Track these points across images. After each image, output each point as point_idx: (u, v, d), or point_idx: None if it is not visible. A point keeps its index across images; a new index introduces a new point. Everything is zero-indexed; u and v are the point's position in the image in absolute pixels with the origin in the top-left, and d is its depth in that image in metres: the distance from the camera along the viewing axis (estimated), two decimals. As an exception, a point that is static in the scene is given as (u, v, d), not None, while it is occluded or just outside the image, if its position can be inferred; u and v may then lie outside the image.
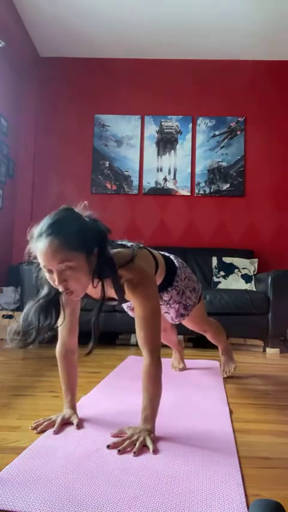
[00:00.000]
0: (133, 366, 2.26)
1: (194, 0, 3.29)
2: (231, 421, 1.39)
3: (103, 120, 4.13)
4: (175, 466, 1.03)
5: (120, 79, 4.15)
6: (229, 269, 3.55)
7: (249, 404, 1.64)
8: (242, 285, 3.46)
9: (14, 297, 3.40)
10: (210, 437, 1.24)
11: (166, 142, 4.11)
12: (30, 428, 1.28)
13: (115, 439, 1.16)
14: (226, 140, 4.07)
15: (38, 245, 1.13)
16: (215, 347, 2.26)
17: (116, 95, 4.13)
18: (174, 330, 2.19)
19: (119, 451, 1.09)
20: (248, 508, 0.84)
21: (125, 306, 1.86)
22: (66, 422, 1.30)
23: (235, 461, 1.07)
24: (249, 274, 3.51)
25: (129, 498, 0.87)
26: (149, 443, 1.12)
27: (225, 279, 3.52)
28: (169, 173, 4.08)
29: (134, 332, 1.31)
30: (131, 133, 4.12)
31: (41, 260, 1.14)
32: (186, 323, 1.97)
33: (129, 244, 1.41)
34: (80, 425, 1.29)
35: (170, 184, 4.07)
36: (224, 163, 4.05)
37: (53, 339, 1.37)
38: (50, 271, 1.14)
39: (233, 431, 1.30)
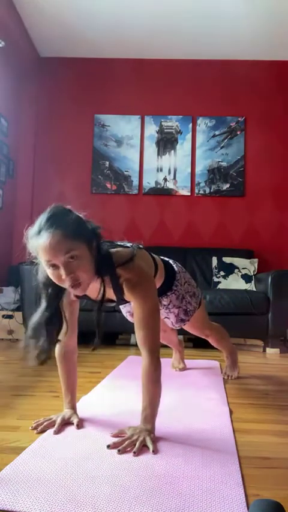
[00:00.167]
0: (133, 366, 2.26)
1: (194, 0, 3.29)
2: (231, 421, 1.39)
3: (103, 120, 4.13)
4: (175, 466, 1.03)
5: (120, 79, 4.15)
6: (229, 269, 3.55)
7: (249, 404, 1.64)
8: (242, 285, 3.46)
9: (14, 297, 3.40)
10: (210, 437, 1.24)
11: (166, 142, 4.11)
12: (30, 428, 1.28)
13: (115, 439, 1.16)
14: (226, 140, 4.07)
15: (39, 241, 1.11)
16: (214, 347, 2.25)
17: (116, 95, 4.13)
18: (174, 330, 2.18)
19: (119, 451, 1.09)
20: (248, 508, 0.84)
21: (124, 311, 1.85)
22: (66, 423, 1.30)
23: (235, 461, 1.07)
24: (249, 274, 3.51)
25: (129, 498, 0.87)
26: (149, 443, 1.13)
27: (225, 279, 3.52)
28: (169, 173, 4.08)
29: (134, 332, 1.30)
30: (131, 133, 4.12)
31: (44, 256, 1.12)
32: (188, 328, 1.95)
33: (128, 244, 1.41)
34: (80, 425, 1.29)
35: (170, 184, 4.07)
36: (224, 163, 4.05)
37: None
38: (54, 266, 1.13)
39: (233, 431, 1.30)
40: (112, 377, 2.04)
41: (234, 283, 3.48)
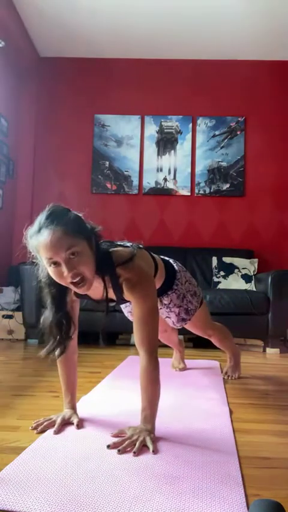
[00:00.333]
0: (133, 366, 2.26)
1: (194, 0, 3.29)
2: (231, 421, 1.39)
3: (103, 120, 4.13)
4: (175, 466, 1.03)
5: (120, 79, 4.15)
6: (229, 269, 3.55)
7: (249, 404, 1.64)
8: (242, 285, 3.46)
9: (14, 297, 3.40)
10: (210, 437, 1.24)
11: (166, 142, 4.11)
12: (30, 428, 1.28)
13: (115, 439, 1.16)
14: (226, 140, 4.07)
15: (40, 239, 1.11)
16: (215, 346, 2.25)
17: (116, 95, 4.13)
18: (175, 330, 2.18)
19: (119, 451, 1.09)
20: (248, 508, 0.84)
21: (125, 311, 1.85)
22: (66, 423, 1.30)
23: (235, 461, 1.06)
24: (249, 274, 3.51)
25: (129, 498, 0.87)
26: (148, 443, 1.12)
27: (225, 279, 3.52)
28: (169, 173, 4.08)
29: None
30: (131, 133, 4.12)
31: (44, 254, 1.12)
32: (190, 328, 1.94)
33: (128, 244, 1.41)
34: (80, 425, 1.29)
35: (170, 184, 4.07)
36: (224, 163, 4.05)
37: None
38: (56, 264, 1.12)
39: (233, 431, 1.30)
40: (112, 377, 2.04)
41: (234, 283, 3.48)
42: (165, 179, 4.08)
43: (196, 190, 4.05)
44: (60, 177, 4.10)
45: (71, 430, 1.27)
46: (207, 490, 0.91)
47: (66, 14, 3.51)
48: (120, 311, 1.92)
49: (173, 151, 4.10)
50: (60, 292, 1.26)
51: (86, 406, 1.52)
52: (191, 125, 4.11)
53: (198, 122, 4.10)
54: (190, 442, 1.20)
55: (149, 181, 4.08)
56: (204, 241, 3.97)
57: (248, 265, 3.56)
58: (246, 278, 3.49)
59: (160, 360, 1.28)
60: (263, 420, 1.45)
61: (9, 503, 0.84)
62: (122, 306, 1.84)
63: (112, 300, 1.38)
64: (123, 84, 4.14)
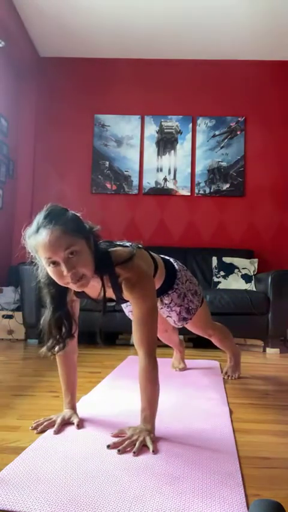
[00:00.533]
0: (133, 366, 2.26)
1: (194, 0, 3.29)
2: (231, 421, 1.39)
3: (103, 120, 4.13)
4: (175, 466, 1.03)
5: (120, 79, 4.15)
6: (229, 269, 3.55)
7: (249, 404, 1.64)
8: (242, 285, 3.46)
9: (14, 297, 3.40)
10: (210, 437, 1.24)
11: (166, 142, 4.11)
12: (30, 428, 1.28)
13: (115, 439, 1.16)
14: (226, 140, 4.07)
15: (38, 238, 1.11)
16: (215, 346, 2.25)
17: (116, 95, 4.13)
18: (175, 330, 2.18)
19: (119, 451, 1.09)
20: (248, 508, 0.84)
21: (126, 310, 1.85)
22: (66, 423, 1.30)
23: (235, 461, 1.07)
24: (249, 274, 3.51)
25: (129, 498, 0.87)
26: (148, 443, 1.13)
27: (225, 279, 3.52)
28: (169, 173, 4.08)
29: (134, 332, 1.30)
30: (131, 133, 4.12)
31: (43, 253, 1.11)
32: (190, 328, 1.94)
33: (127, 244, 1.40)
34: (80, 425, 1.29)
35: (170, 184, 4.07)
36: (224, 163, 4.05)
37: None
38: (55, 264, 1.12)
39: (233, 431, 1.30)
40: (112, 377, 2.04)
41: (234, 283, 3.48)
42: (165, 179, 4.08)
43: (196, 190, 4.05)
44: (60, 177, 4.10)
45: (71, 430, 1.27)
46: (207, 490, 0.91)
47: (66, 14, 3.51)
48: (120, 311, 1.92)
49: (173, 151, 4.10)
50: (59, 292, 1.26)
51: (86, 406, 1.52)
52: (191, 125, 4.11)
53: (198, 122, 4.10)
54: (190, 442, 1.20)
55: (149, 181, 4.08)
56: (204, 241, 3.97)
57: (248, 265, 3.56)
58: (246, 278, 3.49)
59: (160, 359, 1.28)
60: (263, 420, 1.45)
61: (9, 503, 0.84)
62: (123, 306, 1.84)
63: (112, 300, 1.38)
64: (123, 84, 4.14)
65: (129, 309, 1.81)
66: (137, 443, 1.12)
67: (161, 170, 4.09)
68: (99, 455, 1.08)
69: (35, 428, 1.27)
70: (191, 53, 4.04)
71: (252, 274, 3.51)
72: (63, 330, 1.27)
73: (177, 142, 4.11)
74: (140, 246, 1.41)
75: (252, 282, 3.46)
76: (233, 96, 4.11)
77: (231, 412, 1.51)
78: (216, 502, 0.87)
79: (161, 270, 1.61)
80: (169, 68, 4.14)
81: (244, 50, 3.96)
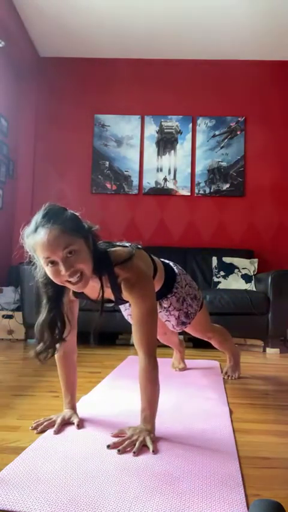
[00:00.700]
0: (133, 366, 2.26)
1: (194, 0, 3.29)
2: (231, 421, 1.39)
3: (103, 120, 4.13)
4: (175, 466, 1.03)
5: (120, 79, 4.15)
6: (229, 269, 3.55)
7: (249, 404, 1.64)
8: (242, 285, 3.46)
9: (14, 297, 3.40)
10: (210, 437, 1.24)
11: (166, 142, 4.11)
12: (30, 428, 1.28)
13: (115, 439, 1.16)
14: (226, 140, 4.07)
15: (36, 238, 1.10)
16: (215, 347, 2.25)
17: (116, 95, 4.13)
18: (175, 331, 2.18)
19: (118, 451, 1.09)
20: (248, 508, 0.84)
21: (125, 314, 1.85)
22: (66, 423, 1.30)
23: (235, 461, 1.06)
24: (249, 274, 3.51)
25: (129, 498, 0.87)
26: (148, 443, 1.12)
27: (225, 279, 3.52)
28: (169, 173, 4.08)
29: (134, 332, 1.30)
30: (131, 133, 4.12)
31: (42, 253, 1.11)
32: (189, 331, 1.94)
33: (127, 244, 1.40)
34: (80, 425, 1.29)
35: (170, 184, 4.07)
36: (224, 163, 4.05)
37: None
38: (53, 263, 1.12)
39: (233, 431, 1.30)
40: (112, 377, 2.04)
41: (234, 283, 3.48)
42: (165, 179, 4.08)
43: (196, 190, 4.05)
44: (60, 177, 4.10)
45: (71, 430, 1.27)
46: (207, 490, 0.91)
47: (66, 14, 3.51)
48: (120, 311, 1.92)
49: (173, 151, 4.10)
50: (57, 293, 1.26)
51: (86, 406, 1.52)
52: (191, 125, 4.11)
53: (198, 122, 4.10)
54: (190, 442, 1.20)
55: (149, 181, 4.08)
56: (204, 241, 3.97)
57: (248, 265, 3.56)
58: (246, 278, 3.49)
59: (160, 359, 1.28)
60: (263, 420, 1.45)
61: (9, 503, 0.84)
62: (122, 309, 1.83)
63: (110, 301, 1.38)
64: (123, 84, 4.14)
65: (128, 312, 1.80)
66: (137, 443, 1.11)
67: (161, 170, 4.09)
68: (99, 455, 1.08)
69: (35, 428, 1.27)
70: (191, 53, 4.04)
71: (252, 274, 3.51)
72: (56, 332, 1.25)
73: (177, 142, 4.11)
74: (139, 246, 1.40)
75: (252, 282, 3.46)
76: (233, 96, 4.11)
77: (231, 412, 1.51)
78: (216, 502, 0.87)
79: (160, 273, 1.60)
80: (169, 68, 4.14)
81: (244, 50, 3.96)
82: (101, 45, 3.96)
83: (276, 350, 2.98)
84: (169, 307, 1.72)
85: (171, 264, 1.75)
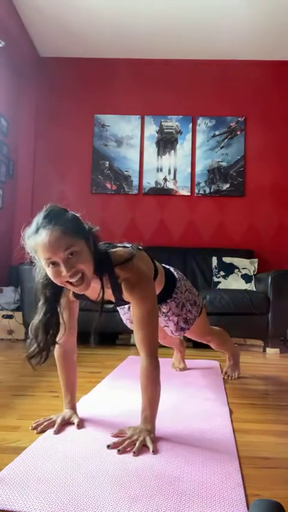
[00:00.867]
0: (133, 366, 2.26)
1: (194, 0, 3.29)
2: (231, 421, 1.39)
3: (103, 120, 4.13)
4: (175, 466, 1.03)
5: (120, 79, 4.15)
6: (229, 269, 3.55)
7: (249, 404, 1.64)
8: (242, 285, 3.46)
9: (14, 297, 3.40)
10: (210, 437, 1.24)
11: (166, 142, 4.11)
12: (30, 428, 1.28)
13: (115, 439, 1.16)
14: (226, 140, 4.07)
15: (38, 239, 1.11)
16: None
17: (116, 95, 4.13)
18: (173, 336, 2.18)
19: (118, 451, 1.09)
20: (248, 508, 0.84)
21: (124, 318, 1.84)
22: (66, 423, 1.30)
23: (235, 461, 1.07)
24: (249, 274, 3.51)
25: (129, 498, 0.87)
26: (148, 443, 1.13)
27: (225, 279, 3.52)
28: (169, 173, 4.08)
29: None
30: (131, 133, 4.12)
31: (43, 254, 1.11)
32: (188, 335, 1.94)
33: (127, 245, 1.40)
34: (80, 425, 1.29)
35: (170, 184, 4.07)
36: (224, 163, 4.05)
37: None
38: (54, 264, 1.12)
39: (233, 431, 1.30)
40: (112, 377, 2.04)
41: (234, 283, 3.48)
42: (165, 179, 4.08)
43: (196, 190, 4.05)
44: (60, 177, 4.10)
45: (71, 430, 1.27)
46: (207, 490, 0.91)
47: (66, 14, 3.51)
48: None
49: (173, 151, 4.10)
50: (55, 294, 1.26)
51: (86, 406, 1.52)
52: (191, 125, 4.11)
53: (198, 122, 4.10)
54: (190, 442, 1.20)
55: (149, 181, 4.08)
56: (204, 241, 3.97)
57: (248, 265, 3.56)
58: (246, 278, 3.49)
59: (160, 359, 1.28)
60: (263, 420, 1.45)
61: (9, 503, 0.84)
62: (121, 313, 1.82)
63: (110, 302, 1.38)
64: (123, 84, 4.14)
65: (127, 317, 1.79)
66: (137, 443, 1.12)
67: (161, 170, 4.09)
68: (99, 455, 1.08)
69: (35, 428, 1.27)
70: (191, 53, 4.04)
71: (252, 274, 3.51)
72: (50, 333, 1.24)
73: (177, 142, 4.11)
74: (140, 247, 1.41)
75: (252, 282, 3.46)
76: (233, 96, 4.11)
77: (231, 412, 1.51)
78: (216, 502, 0.87)
79: (161, 276, 1.60)
80: (169, 68, 4.14)
81: (244, 50, 3.96)
82: (101, 45, 3.96)
83: (276, 350, 2.97)
84: (168, 312, 1.71)
85: (171, 269, 1.74)
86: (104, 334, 2.98)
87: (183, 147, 4.10)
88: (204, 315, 1.90)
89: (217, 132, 4.08)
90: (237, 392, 1.82)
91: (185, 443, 1.18)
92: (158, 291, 1.60)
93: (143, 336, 1.25)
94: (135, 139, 4.11)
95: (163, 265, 1.70)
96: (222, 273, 3.55)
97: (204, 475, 0.99)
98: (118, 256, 1.27)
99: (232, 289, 3.24)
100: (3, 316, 3.26)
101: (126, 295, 1.29)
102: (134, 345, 3.07)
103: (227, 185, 4.03)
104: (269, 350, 2.99)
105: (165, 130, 4.11)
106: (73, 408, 1.38)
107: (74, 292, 1.32)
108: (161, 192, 4.07)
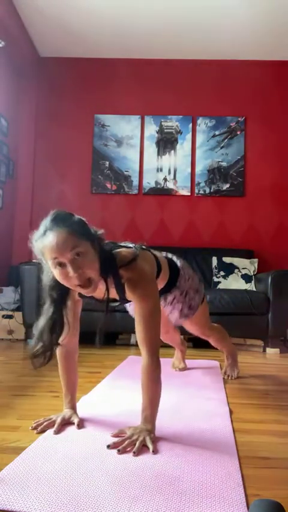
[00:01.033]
0: (133, 366, 2.26)
1: (194, 0, 3.29)
2: (231, 421, 1.39)
3: (103, 120, 4.13)
4: (175, 466, 1.03)
5: (120, 79, 4.15)
6: (229, 269, 3.55)
7: (249, 404, 1.64)
8: (242, 285, 3.46)
9: (14, 297, 3.40)
10: (210, 437, 1.24)
11: (166, 142, 4.11)
12: (30, 428, 1.28)
13: (115, 439, 1.16)
14: (226, 140, 4.07)
15: (45, 241, 1.13)
16: (215, 347, 2.25)
17: (116, 95, 4.13)
18: (176, 330, 2.19)
19: (118, 451, 1.09)
20: (248, 508, 0.84)
21: (129, 309, 1.85)
22: (66, 423, 1.31)
23: (235, 461, 1.07)
24: (249, 274, 3.51)
25: (129, 498, 0.87)
26: (148, 443, 1.13)
27: (225, 279, 3.52)
28: (169, 173, 4.08)
29: (134, 332, 1.31)
30: (131, 133, 4.12)
31: (50, 255, 1.13)
32: (188, 327, 1.96)
33: (131, 245, 1.41)
34: (80, 425, 1.29)
35: (170, 184, 4.07)
36: (224, 163, 4.05)
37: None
38: (61, 265, 1.13)
39: (233, 431, 1.30)
40: (112, 377, 2.04)
41: (234, 283, 3.48)
42: (165, 179, 4.08)
43: (196, 190, 4.05)
44: (60, 177, 4.10)
45: (71, 430, 1.27)
46: (207, 490, 0.91)
47: (66, 14, 3.51)
48: (120, 311, 1.92)
49: (173, 151, 4.10)
50: (61, 296, 1.27)
51: (86, 406, 1.52)
52: (191, 125, 4.11)
53: (198, 122, 4.10)
54: (190, 442, 1.20)
55: (149, 181, 4.08)
56: (204, 241, 3.97)
57: (248, 265, 3.56)
58: (246, 278, 3.49)
59: (161, 359, 1.28)
60: (263, 420, 1.45)
61: (9, 503, 0.84)
62: (127, 305, 1.84)
63: (115, 300, 1.39)
64: (123, 84, 4.14)
65: (133, 308, 1.81)
66: (137, 443, 1.12)
67: (161, 170, 4.09)
68: (99, 455, 1.08)
69: (35, 428, 1.27)
70: (191, 53, 4.04)
71: (252, 274, 3.51)
72: (55, 335, 1.25)
73: (177, 142, 4.11)
74: (143, 247, 1.42)
75: (252, 282, 3.46)
76: (233, 96, 4.11)
77: (231, 412, 1.51)
78: (216, 502, 0.87)
79: (165, 270, 1.62)
80: (169, 68, 4.14)
81: (244, 50, 3.96)
82: (101, 45, 3.96)
83: (276, 350, 2.98)
84: (173, 300, 1.75)
85: (174, 258, 1.76)
86: (104, 334, 2.98)
87: (183, 147, 4.10)
88: (205, 305, 1.93)
89: (217, 132, 4.08)
90: (237, 392, 1.82)
91: (185, 443, 1.18)
92: (163, 285, 1.63)
93: (145, 335, 1.26)
94: (135, 139, 4.11)
95: (165, 254, 1.72)
96: (222, 273, 3.55)
97: (204, 475, 0.99)
98: (122, 257, 1.29)
99: (232, 289, 3.24)
100: (3, 316, 3.26)
101: (128, 294, 1.30)
102: (134, 345, 3.08)
103: (227, 185, 4.03)
104: (269, 350, 2.99)
105: (165, 130, 4.11)
106: (73, 408, 1.38)
107: (79, 292, 1.32)
108: (161, 192, 4.07)
